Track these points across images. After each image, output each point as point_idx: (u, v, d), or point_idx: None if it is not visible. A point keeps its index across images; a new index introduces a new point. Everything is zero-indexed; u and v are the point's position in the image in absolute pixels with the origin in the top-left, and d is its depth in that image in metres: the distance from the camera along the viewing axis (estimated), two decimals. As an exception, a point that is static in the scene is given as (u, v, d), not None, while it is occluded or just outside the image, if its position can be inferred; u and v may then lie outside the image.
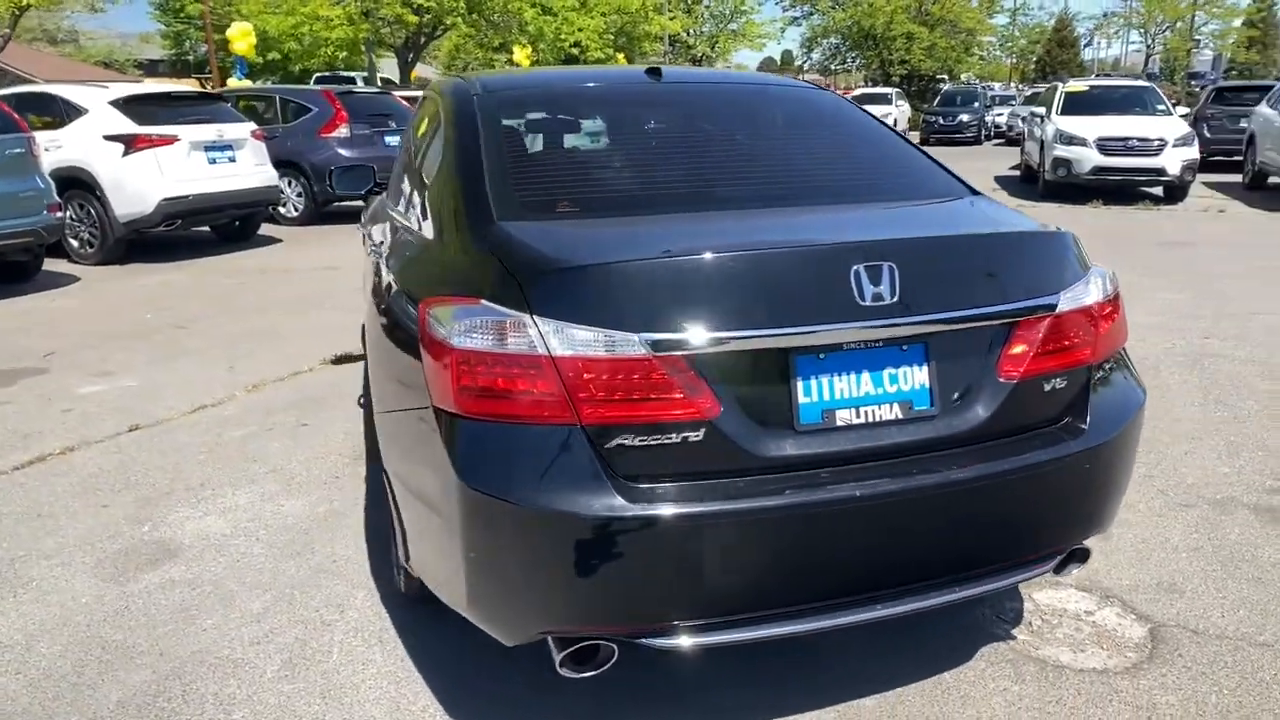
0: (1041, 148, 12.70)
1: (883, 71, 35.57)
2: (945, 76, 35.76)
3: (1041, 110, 13.79)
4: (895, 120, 23.74)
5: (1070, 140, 11.92)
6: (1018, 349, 1.97)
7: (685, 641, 1.82)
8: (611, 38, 28.64)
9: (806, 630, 1.88)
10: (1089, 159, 11.71)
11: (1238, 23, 42.25)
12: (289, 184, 10.71)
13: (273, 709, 2.24)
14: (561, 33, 25.78)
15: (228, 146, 8.92)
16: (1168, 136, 11.68)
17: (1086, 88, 14.21)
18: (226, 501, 3.44)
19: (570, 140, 2.57)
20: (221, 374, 5.07)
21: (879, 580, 1.91)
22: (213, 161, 8.75)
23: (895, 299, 1.84)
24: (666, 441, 1.75)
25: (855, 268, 1.82)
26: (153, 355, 5.46)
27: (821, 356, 1.84)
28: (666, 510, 1.72)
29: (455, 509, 1.77)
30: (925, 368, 1.92)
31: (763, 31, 38.50)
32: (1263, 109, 12.88)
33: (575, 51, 27.07)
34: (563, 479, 1.73)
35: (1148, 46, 40.40)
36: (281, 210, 10.75)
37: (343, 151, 10.85)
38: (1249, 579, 2.75)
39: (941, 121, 24.62)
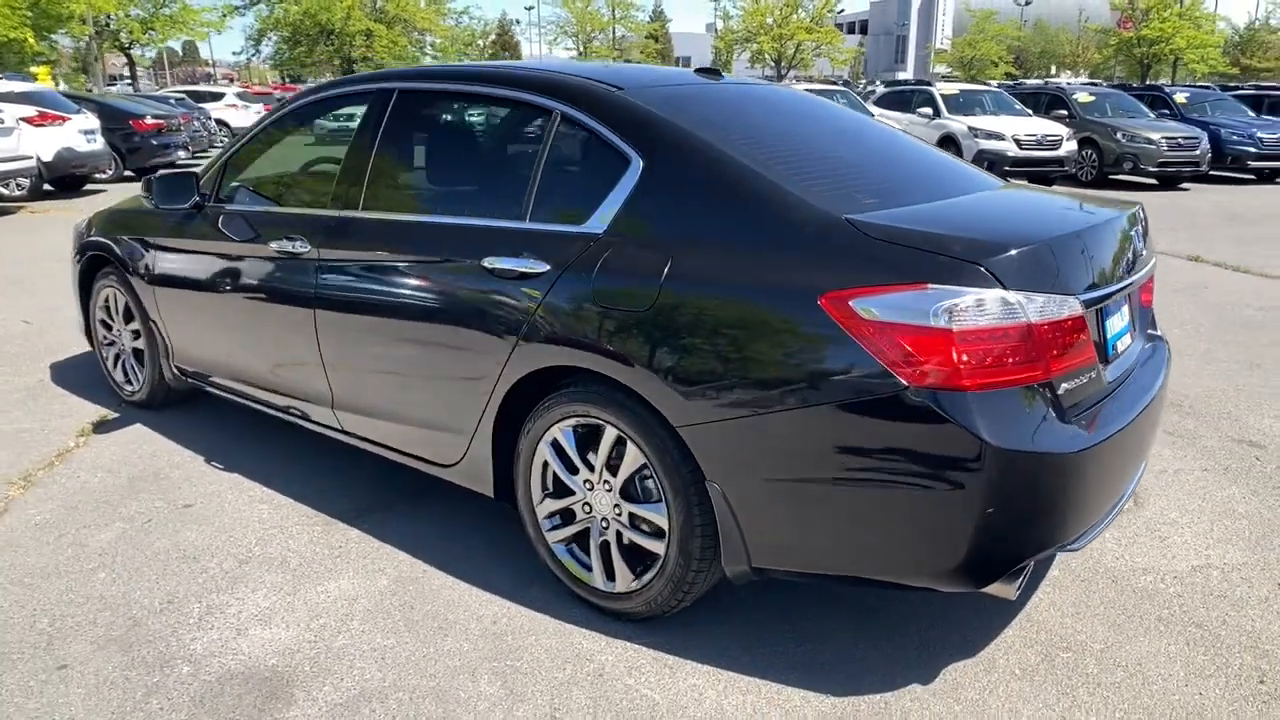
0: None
1: (348, 70, 34.98)
2: None
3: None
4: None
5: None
6: (1151, 286, 2.78)
7: (1079, 544, 2.25)
8: (27, 15, 23.32)
9: (1117, 514, 2.43)
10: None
11: (644, 35, 51.21)
12: None
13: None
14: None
15: None
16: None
17: None
18: (243, 610, 2.66)
19: (751, 139, 2.59)
20: (-64, 476, 3.58)
21: (1139, 461, 2.55)
22: None
23: (1146, 252, 2.49)
24: (1081, 383, 2.16)
25: (1132, 230, 2.42)
26: None
27: (1108, 304, 2.40)
28: (1102, 435, 2.13)
29: (974, 474, 1.94)
30: (1128, 305, 2.60)
31: (203, 20, 34.89)
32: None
33: None
34: (1050, 426, 2.02)
35: (580, 52, 46.57)
36: None
37: None
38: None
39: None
